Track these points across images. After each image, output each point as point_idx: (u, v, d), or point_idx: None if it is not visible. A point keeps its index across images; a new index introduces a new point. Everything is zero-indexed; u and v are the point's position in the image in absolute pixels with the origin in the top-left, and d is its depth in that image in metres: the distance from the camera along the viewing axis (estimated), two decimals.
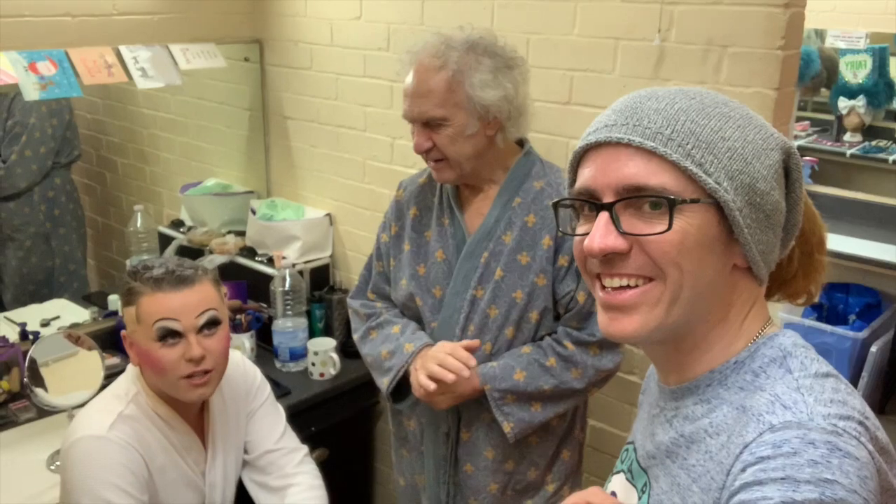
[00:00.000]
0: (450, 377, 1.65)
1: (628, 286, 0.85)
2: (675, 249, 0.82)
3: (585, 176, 0.86)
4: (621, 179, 0.83)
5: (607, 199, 0.84)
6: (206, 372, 1.54)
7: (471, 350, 1.68)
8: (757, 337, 0.88)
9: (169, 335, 1.51)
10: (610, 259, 0.84)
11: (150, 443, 1.56)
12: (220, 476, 1.70)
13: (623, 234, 0.83)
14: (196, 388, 1.55)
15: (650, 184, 0.82)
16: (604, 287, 0.86)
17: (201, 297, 1.54)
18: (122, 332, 1.58)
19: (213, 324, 1.55)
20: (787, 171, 0.87)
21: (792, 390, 0.81)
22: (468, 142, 1.68)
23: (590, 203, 0.86)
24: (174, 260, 1.58)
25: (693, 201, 0.81)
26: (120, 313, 1.59)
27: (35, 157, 3.22)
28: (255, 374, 1.81)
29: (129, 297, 1.54)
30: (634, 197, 0.82)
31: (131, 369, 1.62)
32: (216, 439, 1.68)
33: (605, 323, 0.88)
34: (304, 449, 1.82)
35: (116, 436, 1.51)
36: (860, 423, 0.78)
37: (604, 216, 0.83)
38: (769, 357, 0.86)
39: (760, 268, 0.86)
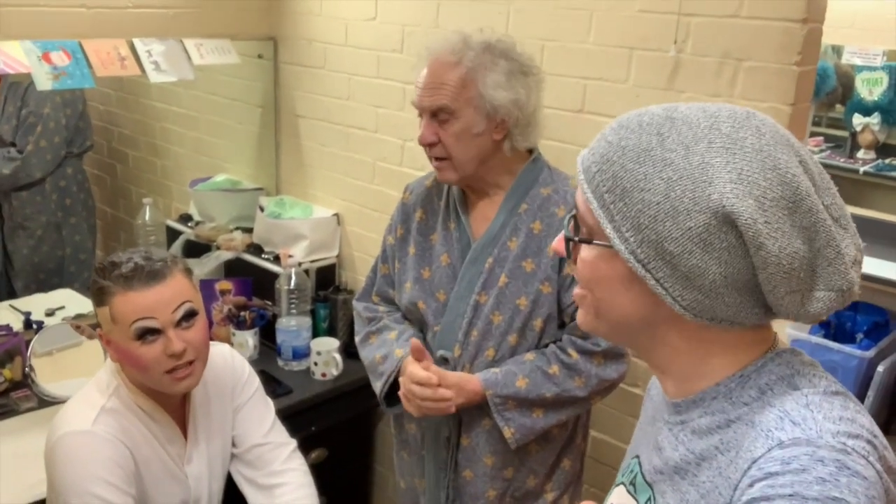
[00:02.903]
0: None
1: None
2: (582, 276, 0.89)
3: None
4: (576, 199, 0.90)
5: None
6: (190, 363, 1.53)
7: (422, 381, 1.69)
8: (765, 353, 0.87)
9: (147, 333, 1.49)
10: None
11: (133, 435, 1.55)
12: (205, 469, 1.69)
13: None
14: (180, 381, 1.53)
15: (579, 208, 0.88)
16: None
17: (175, 291, 1.52)
18: (98, 331, 1.55)
19: (190, 316, 1.54)
20: (741, 235, 0.78)
21: (801, 407, 0.80)
22: (473, 141, 1.67)
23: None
24: (141, 252, 1.54)
25: (583, 241, 0.87)
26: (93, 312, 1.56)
27: (50, 146, 3.23)
28: (244, 368, 1.79)
29: (101, 298, 1.50)
30: (573, 216, 0.90)
31: (110, 363, 1.60)
32: (198, 432, 1.67)
33: None
34: (293, 443, 1.81)
35: (102, 429, 1.50)
36: (869, 441, 0.78)
37: (570, 226, 0.91)
38: (777, 374, 0.85)
39: (698, 321, 0.83)
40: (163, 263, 1.52)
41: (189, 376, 1.54)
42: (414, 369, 1.68)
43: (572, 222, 0.89)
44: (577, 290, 0.93)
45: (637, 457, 1.02)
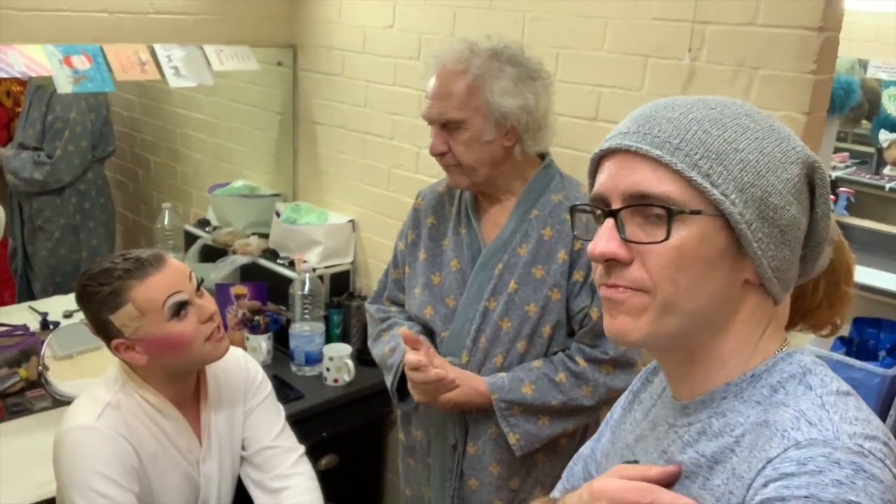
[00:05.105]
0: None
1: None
2: (672, 263, 0.81)
3: (599, 181, 0.88)
4: (628, 186, 0.83)
5: (615, 205, 0.84)
6: (218, 327, 1.60)
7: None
8: (775, 353, 0.87)
9: (181, 307, 1.53)
10: (611, 266, 0.85)
11: (139, 431, 1.56)
12: (216, 469, 1.70)
13: (625, 240, 0.83)
14: (220, 342, 1.60)
15: (654, 192, 0.81)
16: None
17: (180, 266, 1.58)
18: (115, 343, 1.52)
19: (199, 284, 1.61)
20: (813, 187, 0.85)
21: (817, 407, 0.79)
22: (483, 149, 1.68)
23: (601, 209, 0.87)
24: (121, 254, 1.56)
25: (694, 212, 0.80)
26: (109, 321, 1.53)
27: (77, 151, 3.28)
28: (257, 372, 1.81)
29: (118, 300, 1.49)
30: (639, 204, 0.82)
31: (116, 362, 1.61)
32: (211, 431, 1.69)
33: (606, 322, 0.88)
34: (301, 449, 1.81)
35: (105, 425, 1.51)
36: (885, 444, 0.77)
37: (609, 222, 0.84)
38: (788, 373, 0.84)
39: (773, 284, 0.84)
40: (153, 251, 1.58)
41: (224, 338, 1.61)
42: (409, 355, 1.68)
43: (646, 213, 0.82)
44: (627, 291, 0.84)
45: (635, 462, 1.00)
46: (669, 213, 0.80)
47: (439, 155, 1.72)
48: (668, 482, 0.86)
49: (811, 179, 0.84)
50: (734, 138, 0.82)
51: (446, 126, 1.68)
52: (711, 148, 0.81)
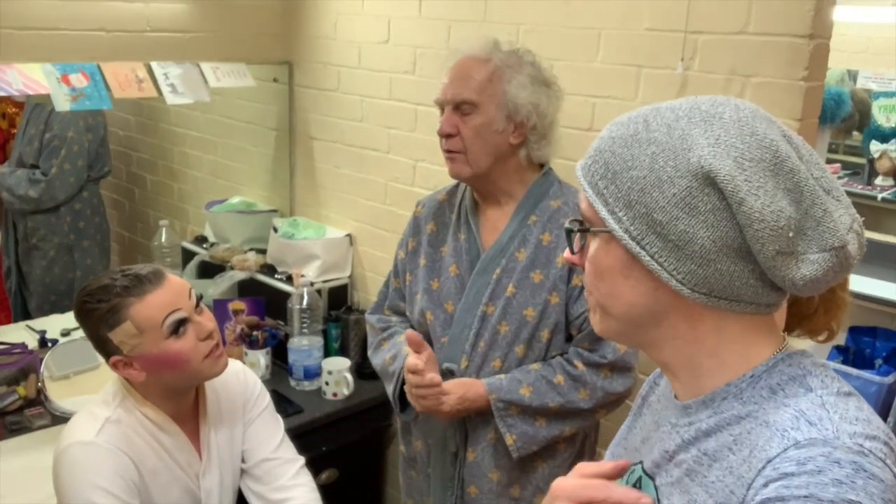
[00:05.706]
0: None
1: None
2: (590, 273, 0.90)
3: None
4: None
5: None
6: (217, 344, 1.58)
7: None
8: (773, 355, 0.87)
9: (180, 325, 1.52)
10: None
11: (139, 446, 1.55)
12: (217, 483, 1.69)
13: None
14: (219, 359, 1.58)
15: (581, 209, 0.91)
16: None
17: (180, 282, 1.57)
18: (114, 359, 1.52)
19: (198, 301, 1.59)
20: (723, 195, 0.79)
21: (817, 407, 0.80)
22: (491, 138, 1.71)
23: None
24: (120, 270, 1.55)
25: (583, 230, 0.89)
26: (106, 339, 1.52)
27: (73, 169, 3.28)
28: (255, 384, 1.81)
29: (116, 317, 1.49)
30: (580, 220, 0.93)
31: (115, 378, 1.61)
32: (211, 445, 1.68)
33: None
34: (301, 460, 1.81)
35: (105, 440, 1.51)
36: (885, 444, 0.77)
37: (576, 235, 0.93)
38: (788, 375, 0.85)
39: (696, 297, 0.83)
40: (152, 267, 1.57)
41: (223, 354, 1.60)
42: (410, 357, 1.70)
43: (576, 225, 0.92)
44: (585, 293, 0.95)
45: (640, 462, 1.01)
46: (567, 231, 0.91)
47: (446, 136, 1.73)
48: (621, 474, 0.91)
49: (718, 188, 0.79)
50: (634, 156, 0.83)
51: (459, 108, 1.71)
52: (611, 168, 0.85)
